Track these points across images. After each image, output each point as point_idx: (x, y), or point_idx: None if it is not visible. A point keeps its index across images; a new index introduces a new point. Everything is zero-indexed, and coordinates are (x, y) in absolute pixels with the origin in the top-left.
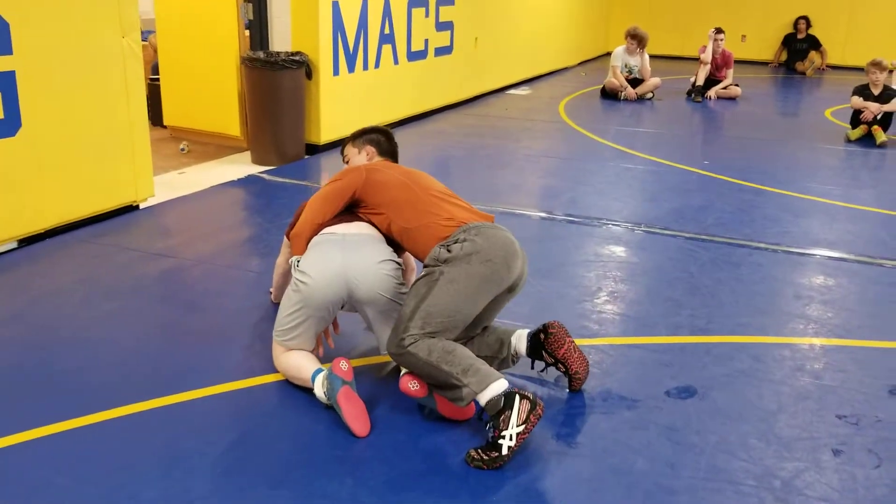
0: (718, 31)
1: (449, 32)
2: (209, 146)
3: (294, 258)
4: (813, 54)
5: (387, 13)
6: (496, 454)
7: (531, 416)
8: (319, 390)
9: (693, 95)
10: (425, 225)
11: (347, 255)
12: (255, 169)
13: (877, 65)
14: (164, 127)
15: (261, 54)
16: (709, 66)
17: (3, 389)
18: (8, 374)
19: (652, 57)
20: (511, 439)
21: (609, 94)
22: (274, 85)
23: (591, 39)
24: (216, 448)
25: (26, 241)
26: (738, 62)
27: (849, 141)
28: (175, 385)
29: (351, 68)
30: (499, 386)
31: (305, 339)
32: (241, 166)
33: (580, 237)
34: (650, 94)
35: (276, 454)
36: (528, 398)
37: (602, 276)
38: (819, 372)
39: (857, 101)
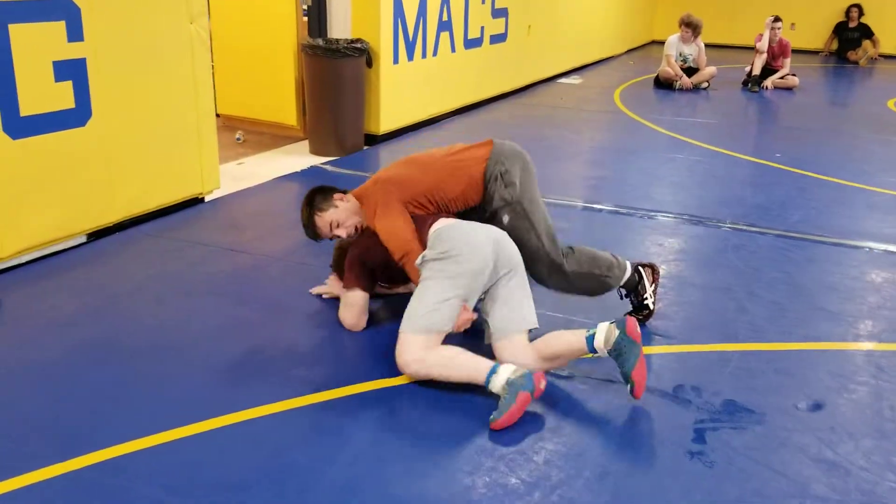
0: (776, 19)
1: (504, 20)
2: (265, 136)
3: (422, 254)
4: (866, 43)
5: (446, 0)
6: (647, 311)
7: (655, 275)
8: (504, 374)
9: (750, 85)
10: (453, 175)
11: (480, 226)
12: (315, 160)
13: None
14: (218, 116)
15: (320, 41)
16: (765, 55)
17: (92, 399)
18: (96, 381)
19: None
20: (651, 297)
21: (663, 84)
22: (334, 73)
23: (637, 27)
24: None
25: (94, 235)
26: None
27: None
28: (261, 396)
29: (410, 56)
30: (627, 266)
31: (451, 320)
32: (300, 157)
33: (661, 234)
34: (706, 84)
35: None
36: (647, 265)
37: (694, 275)
38: None
39: None
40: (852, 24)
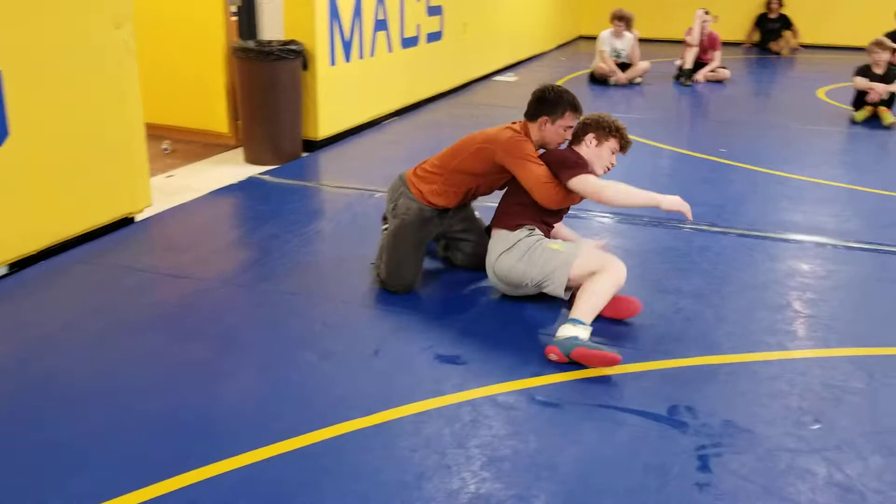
0: (706, 12)
1: (439, 17)
2: (194, 144)
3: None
4: (787, 34)
5: None
6: None
7: None
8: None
9: (682, 79)
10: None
11: None
12: (252, 170)
13: (879, 44)
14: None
15: (252, 43)
16: (696, 49)
17: (22, 465)
18: (28, 442)
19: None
20: None
21: (598, 80)
22: (268, 77)
23: (566, 23)
24: None
25: (18, 266)
26: None
27: (854, 123)
28: (225, 447)
29: (347, 57)
30: None
31: None
32: (235, 167)
33: (622, 237)
34: (639, 79)
35: None
36: None
37: (664, 281)
38: None
39: (863, 83)
40: (773, 16)
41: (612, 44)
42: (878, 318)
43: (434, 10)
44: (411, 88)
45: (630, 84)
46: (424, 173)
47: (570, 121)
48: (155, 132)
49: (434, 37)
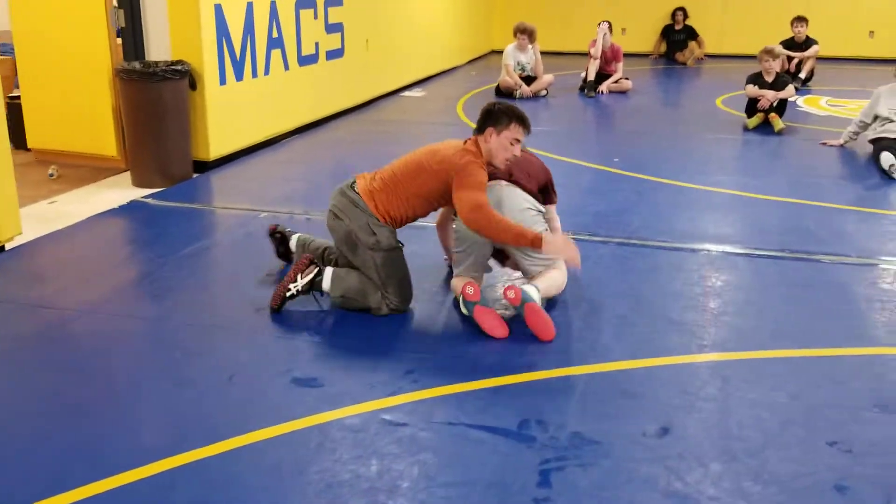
0: (607, 24)
1: (339, 34)
2: (82, 169)
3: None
4: (692, 45)
5: (274, 15)
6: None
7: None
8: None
9: (586, 91)
10: None
11: None
12: (138, 193)
13: (769, 52)
14: (28, 150)
15: (137, 65)
16: (598, 61)
17: None
18: None
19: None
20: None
21: (504, 93)
22: (154, 98)
23: (477, 37)
24: None
25: None
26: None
27: (747, 129)
28: (44, 490)
29: (239, 76)
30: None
31: None
32: (121, 191)
33: None
34: (544, 92)
35: None
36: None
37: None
38: (794, 390)
39: (753, 90)
40: (678, 27)
41: (516, 57)
42: (745, 324)
43: (334, 28)
44: (312, 106)
45: (536, 97)
46: (384, 186)
47: (516, 133)
48: (44, 158)
49: (335, 54)
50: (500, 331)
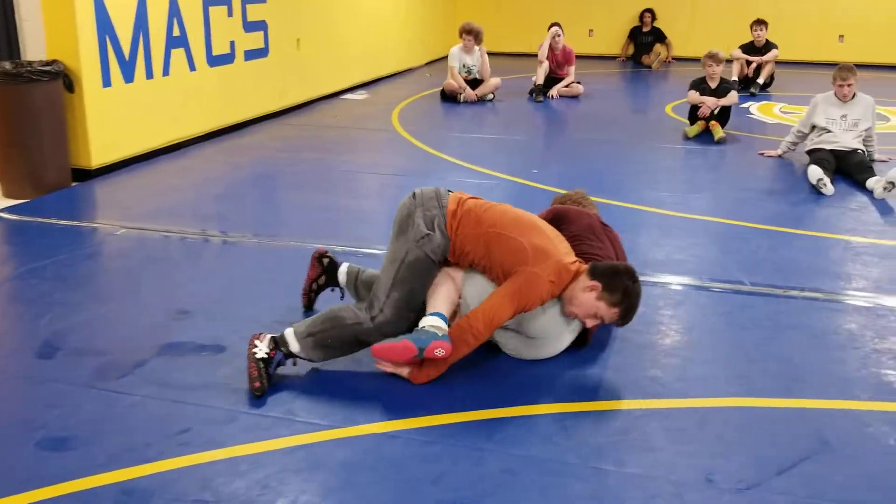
0: (558, 27)
1: (262, 33)
2: None
3: None
4: (658, 47)
5: (174, 12)
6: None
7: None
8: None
9: (534, 95)
10: None
11: None
12: (6, 203)
13: (713, 57)
14: None
15: (7, 65)
16: (547, 64)
17: None
18: None
19: (501, 55)
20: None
21: (448, 97)
22: (23, 101)
23: (438, 38)
24: None
25: None
26: (587, 58)
27: (687, 138)
28: None
29: (129, 78)
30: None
31: None
32: None
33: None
34: (491, 96)
35: None
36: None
37: None
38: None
39: (694, 97)
40: (646, 29)
41: (461, 59)
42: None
43: (254, 26)
44: (228, 109)
45: (482, 101)
46: (475, 219)
47: (609, 317)
48: None
49: (257, 53)
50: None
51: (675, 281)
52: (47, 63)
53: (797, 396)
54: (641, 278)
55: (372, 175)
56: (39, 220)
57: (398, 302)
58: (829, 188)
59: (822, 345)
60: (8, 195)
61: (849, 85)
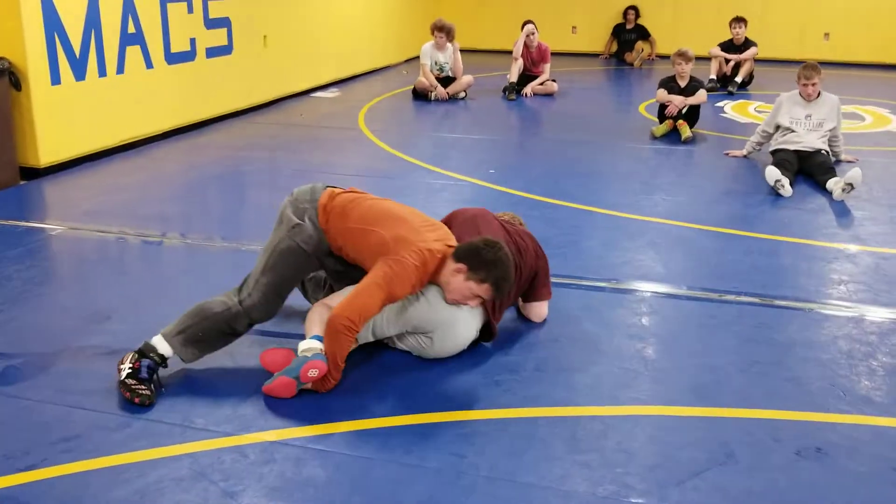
0: (532, 24)
1: (225, 30)
2: None
3: None
4: (640, 44)
5: (129, 9)
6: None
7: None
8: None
9: (507, 93)
10: None
11: None
12: None
13: (682, 55)
14: None
15: None
16: (520, 62)
17: None
18: None
19: (483, 52)
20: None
21: (420, 95)
22: None
23: (415, 34)
24: None
25: None
26: (570, 55)
27: (654, 138)
28: None
29: (80, 75)
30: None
31: None
32: None
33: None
34: (463, 94)
35: None
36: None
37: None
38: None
39: (662, 95)
40: (629, 26)
41: (433, 56)
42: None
43: (217, 23)
44: (187, 107)
45: (454, 99)
46: (341, 213)
47: (484, 293)
48: None
49: (220, 51)
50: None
51: (609, 286)
52: None
53: (711, 405)
54: (578, 281)
55: (325, 175)
56: (4, 221)
57: (266, 287)
58: (786, 189)
59: (747, 352)
60: None
61: (813, 84)
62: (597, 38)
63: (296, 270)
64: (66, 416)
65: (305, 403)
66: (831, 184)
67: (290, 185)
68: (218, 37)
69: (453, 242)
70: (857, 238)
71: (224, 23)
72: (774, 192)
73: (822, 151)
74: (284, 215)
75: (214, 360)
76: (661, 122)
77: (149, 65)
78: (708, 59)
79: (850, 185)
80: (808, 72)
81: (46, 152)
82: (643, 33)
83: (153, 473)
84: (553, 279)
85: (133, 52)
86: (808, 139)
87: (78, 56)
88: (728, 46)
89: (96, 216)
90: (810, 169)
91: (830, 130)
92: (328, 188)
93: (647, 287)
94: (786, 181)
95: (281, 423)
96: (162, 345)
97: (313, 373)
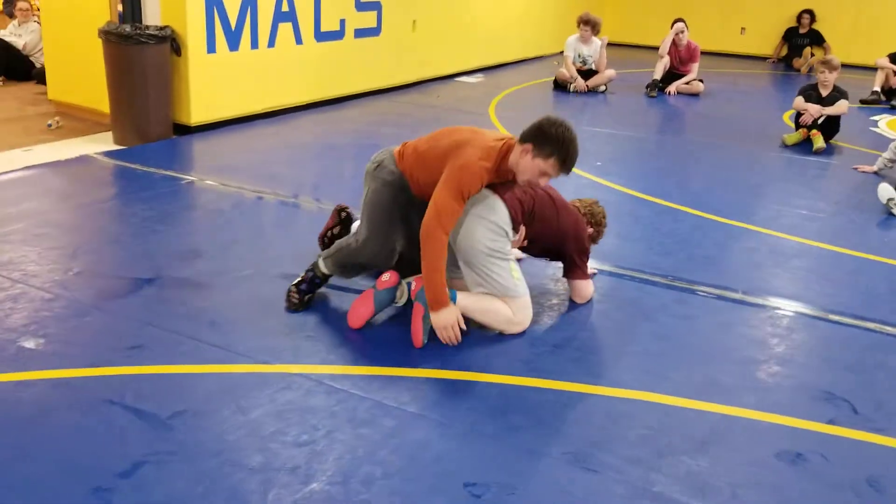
0: (683, 23)
1: (375, 13)
2: (86, 122)
3: None
4: (809, 50)
5: None
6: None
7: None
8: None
9: (649, 90)
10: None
11: None
12: (110, 147)
13: (826, 63)
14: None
15: (126, 28)
16: (666, 60)
17: None
18: None
19: (643, 48)
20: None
21: (560, 85)
22: (131, 60)
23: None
24: None
25: None
26: (736, 56)
27: (785, 146)
28: None
29: (234, 46)
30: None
31: None
32: (98, 145)
33: None
34: (603, 87)
35: None
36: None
37: None
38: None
39: (799, 103)
40: (802, 31)
41: (577, 49)
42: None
43: (368, 6)
44: (333, 82)
45: (594, 91)
46: (412, 150)
47: (551, 169)
48: (62, 110)
49: (368, 32)
50: (353, 319)
51: (663, 281)
52: (160, 28)
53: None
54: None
55: None
56: (126, 164)
57: (369, 226)
58: None
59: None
60: (117, 142)
61: None
62: (767, 40)
63: (385, 213)
64: (137, 330)
65: (343, 346)
66: None
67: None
68: (367, 19)
69: (514, 138)
70: None
71: (375, 6)
72: (888, 212)
73: None
74: (367, 169)
75: (272, 307)
76: (796, 130)
77: (298, 41)
78: (875, 69)
79: None
80: None
81: (198, 112)
82: (817, 38)
83: (188, 384)
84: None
85: (285, 28)
86: None
87: (234, 29)
88: None
89: (224, 171)
90: None
91: None
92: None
93: (704, 289)
94: None
95: (307, 359)
96: (321, 263)
97: (385, 277)
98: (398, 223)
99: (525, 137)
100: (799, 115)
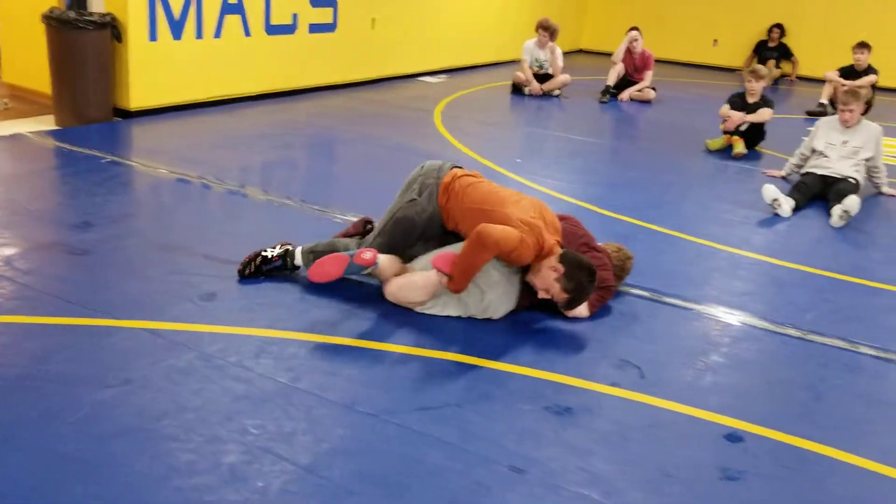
0: (637, 31)
1: (331, 10)
2: (36, 105)
3: None
4: (771, 63)
5: None
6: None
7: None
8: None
9: (601, 96)
10: None
11: None
12: (49, 128)
13: (752, 73)
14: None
15: (71, 14)
16: (619, 67)
17: None
18: None
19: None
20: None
21: (516, 88)
22: (72, 45)
23: (564, 34)
24: None
25: None
26: (707, 67)
27: (709, 151)
28: None
29: (177, 35)
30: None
31: None
32: (36, 125)
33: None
34: (557, 91)
35: None
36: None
37: None
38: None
39: (724, 111)
40: (772, 44)
41: (534, 53)
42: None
43: (323, 2)
44: (283, 75)
45: (548, 95)
46: (460, 193)
47: (556, 295)
48: (14, 92)
49: (323, 28)
50: (317, 275)
51: None
52: (102, 15)
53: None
54: None
55: (363, 144)
56: (57, 143)
57: (380, 246)
58: (783, 209)
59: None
60: (58, 123)
61: (850, 111)
62: (738, 52)
63: (405, 237)
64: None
65: (343, 321)
66: (834, 210)
67: (337, 153)
68: (323, 15)
69: (560, 240)
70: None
71: (330, 2)
72: (773, 212)
73: (850, 179)
74: (411, 187)
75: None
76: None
77: (247, 33)
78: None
79: (847, 212)
80: (846, 98)
81: (137, 98)
82: (785, 52)
83: (197, 340)
84: None
85: (233, 19)
86: (839, 166)
87: (177, 19)
88: (848, 72)
89: (151, 153)
90: (830, 194)
91: (868, 160)
92: (454, 168)
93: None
94: (784, 200)
95: (304, 328)
96: (298, 256)
97: (367, 255)
98: (412, 246)
99: (564, 261)
100: (724, 121)
